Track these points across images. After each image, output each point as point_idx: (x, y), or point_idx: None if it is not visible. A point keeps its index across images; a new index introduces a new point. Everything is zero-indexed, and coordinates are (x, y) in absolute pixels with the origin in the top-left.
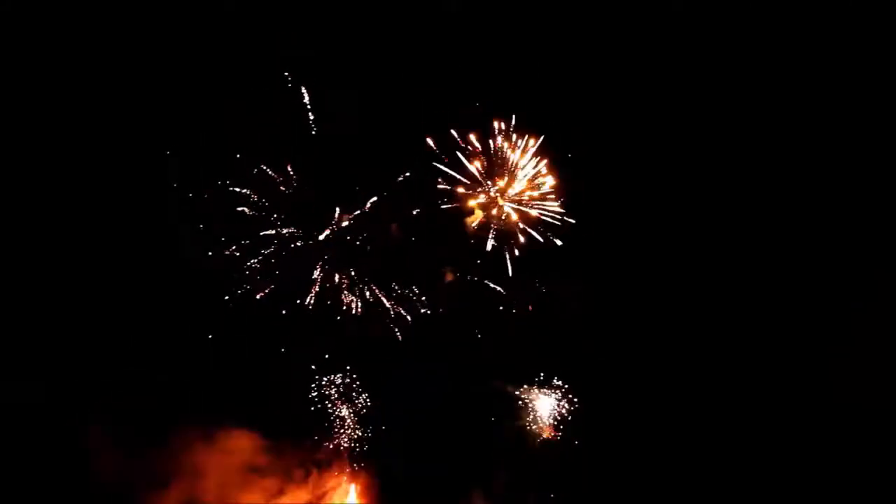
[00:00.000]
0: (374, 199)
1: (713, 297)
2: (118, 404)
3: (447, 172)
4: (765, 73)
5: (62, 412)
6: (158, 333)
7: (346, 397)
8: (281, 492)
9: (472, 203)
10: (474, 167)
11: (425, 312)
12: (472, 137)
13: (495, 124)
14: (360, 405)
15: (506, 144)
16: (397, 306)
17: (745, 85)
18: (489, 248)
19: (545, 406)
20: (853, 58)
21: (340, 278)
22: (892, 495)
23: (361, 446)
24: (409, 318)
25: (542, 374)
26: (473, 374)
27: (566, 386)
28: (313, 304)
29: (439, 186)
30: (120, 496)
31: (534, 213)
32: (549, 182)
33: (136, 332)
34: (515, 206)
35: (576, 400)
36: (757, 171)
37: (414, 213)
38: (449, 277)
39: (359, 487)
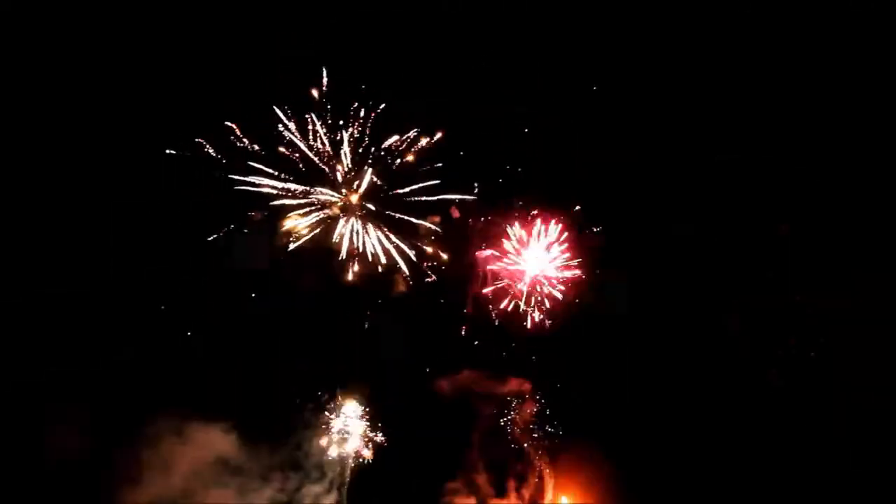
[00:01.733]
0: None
1: (712, 299)
2: (95, 397)
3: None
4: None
5: (37, 406)
6: (139, 327)
7: (331, 399)
8: (256, 491)
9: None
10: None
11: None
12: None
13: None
14: (344, 407)
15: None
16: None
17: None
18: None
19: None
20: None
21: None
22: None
23: (343, 448)
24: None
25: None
26: (460, 374)
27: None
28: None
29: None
30: (94, 490)
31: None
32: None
33: (117, 325)
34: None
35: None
36: (758, 174)
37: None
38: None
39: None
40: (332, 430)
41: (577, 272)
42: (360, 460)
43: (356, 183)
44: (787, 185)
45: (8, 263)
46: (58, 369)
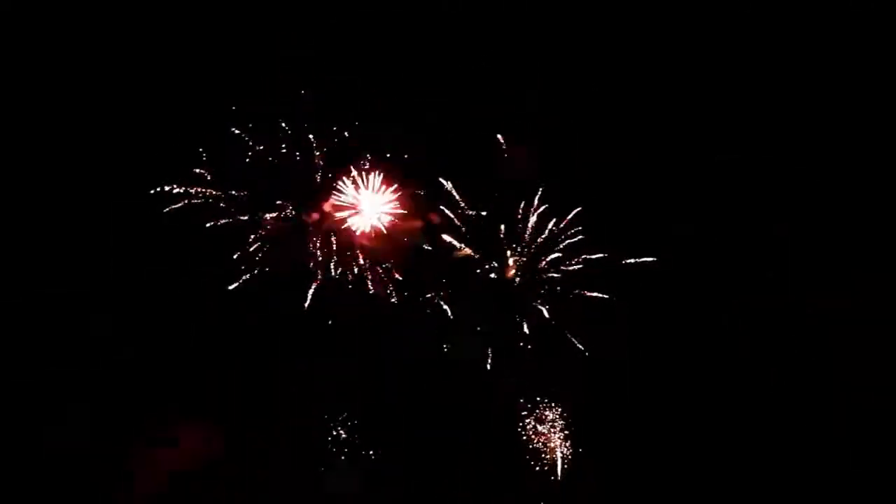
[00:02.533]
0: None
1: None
2: (95, 397)
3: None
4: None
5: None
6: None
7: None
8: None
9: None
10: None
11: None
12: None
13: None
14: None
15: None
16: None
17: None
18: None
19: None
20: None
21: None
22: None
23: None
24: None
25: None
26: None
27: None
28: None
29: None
30: (93, 490)
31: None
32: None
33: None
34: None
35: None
36: (758, 174)
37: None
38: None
39: None
40: (330, 429)
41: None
42: (359, 461)
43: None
44: (787, 185)
45: (8, 263)
46: (58, 369)
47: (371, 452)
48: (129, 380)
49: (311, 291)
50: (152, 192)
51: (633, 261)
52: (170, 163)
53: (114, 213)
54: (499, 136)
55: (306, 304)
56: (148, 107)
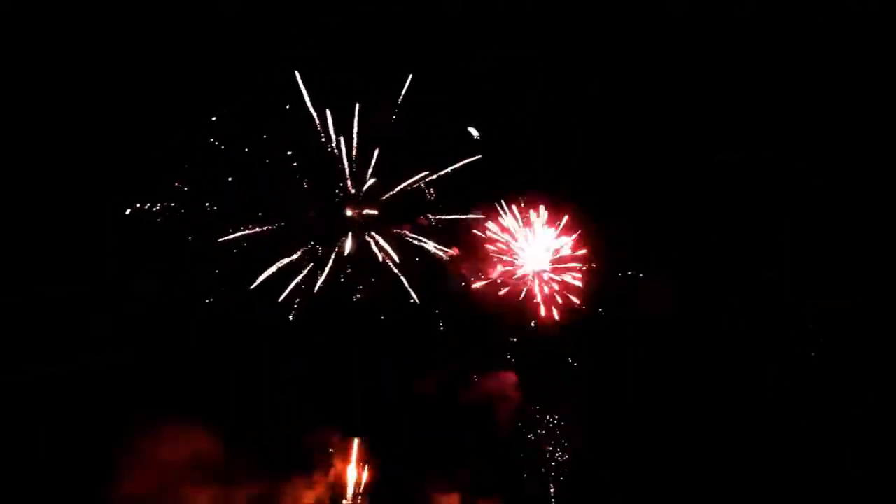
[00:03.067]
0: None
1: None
2: (94, 397)
3: None
4: None
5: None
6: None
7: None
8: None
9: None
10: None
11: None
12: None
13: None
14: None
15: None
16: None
17: None
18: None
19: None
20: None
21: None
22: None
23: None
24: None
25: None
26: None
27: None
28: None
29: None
30: (92, 490)
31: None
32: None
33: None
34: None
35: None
36: (758, 174)
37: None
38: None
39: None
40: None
41: (579, 275)
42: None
43: (354, 192)
44: (787, 185)
45: (8, 263)
46: (57, 369)
47: (372, 452)
48: (128, 380)
49: (298, 296)
50: (154, 194)
51: (630, 273)
52: (171, 163)
53: (114, 214)
54: (471, 129)
55: (299, 309)
56: (147, 109)
